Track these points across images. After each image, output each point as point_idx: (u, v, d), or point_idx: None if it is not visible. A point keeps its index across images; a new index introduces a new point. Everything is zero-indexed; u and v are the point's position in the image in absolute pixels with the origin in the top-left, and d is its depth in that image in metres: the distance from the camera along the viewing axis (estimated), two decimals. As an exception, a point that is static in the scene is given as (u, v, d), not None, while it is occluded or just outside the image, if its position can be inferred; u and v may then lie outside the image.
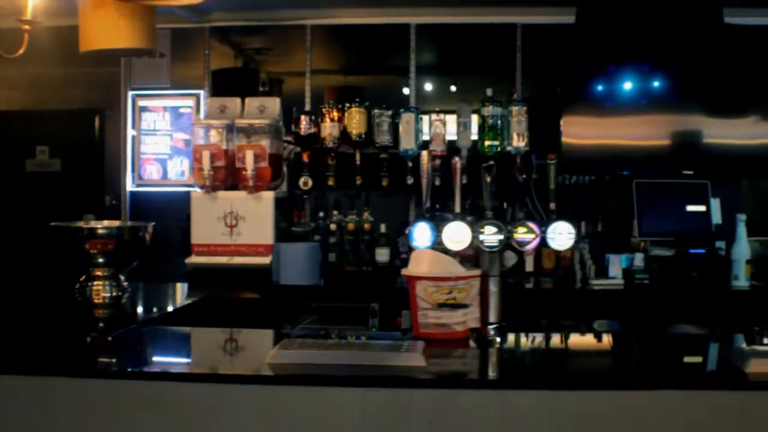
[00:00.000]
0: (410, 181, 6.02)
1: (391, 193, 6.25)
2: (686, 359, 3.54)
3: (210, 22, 6.87)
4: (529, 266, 6.08)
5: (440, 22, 6.69)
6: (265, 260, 5.81)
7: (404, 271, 3.67)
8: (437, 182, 5.80)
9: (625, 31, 5.85)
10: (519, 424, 2.88)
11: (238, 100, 6.24)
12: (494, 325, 3.66)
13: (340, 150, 6.18)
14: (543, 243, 3.66)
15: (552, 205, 3.92)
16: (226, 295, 5.60)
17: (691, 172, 6.08)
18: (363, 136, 6.11)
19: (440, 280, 3.55)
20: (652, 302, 5.48)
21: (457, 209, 3.87)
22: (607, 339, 4.24)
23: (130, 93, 6.95)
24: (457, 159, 4.00)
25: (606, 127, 6.20)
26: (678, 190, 6.03)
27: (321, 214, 6.37)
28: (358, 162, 6.11)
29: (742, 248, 5.67)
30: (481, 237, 3.65)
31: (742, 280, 5.65)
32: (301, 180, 6.13)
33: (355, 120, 6.11)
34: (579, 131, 6.15)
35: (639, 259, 5.77)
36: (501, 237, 3.65)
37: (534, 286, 5.89)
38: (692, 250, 5.72)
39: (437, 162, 5.90)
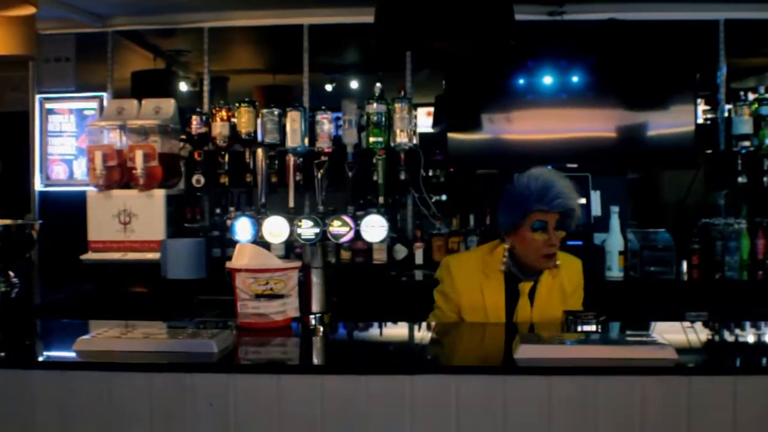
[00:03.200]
0: (298, 177, 6.17)
1: (279, 189, 6.40)
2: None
3: (113, 27, 7.03)
4: (419, 259, 6.26)
5: (335, 23, 6.84)
6: (157, 256, 6.00)
7: (227, 264, 3.84)
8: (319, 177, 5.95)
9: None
10: (335, 408, 3.05)
11: (135, 102, 6.42)
12: (317, 315, 3.83)
13: (233, 149, 6.35)
14: (357, 236, 3.82)
15: (380, 199, 4.10)
16: (116, 289, 5.79)
17: (574, 165, 6.25)
18: (252, 134, 6.26)
19: (258, 272, 3.71)
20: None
21: (291, 204, 4.03)
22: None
23: (38, 96, 7.11)
24: (290, 156, 4.17)
25: (492, 123, 6.39)
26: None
27: (218, 210, 6.52)
28: (247, 160, 6.26)
29: (616, 240, 5.84)
30: (299, 231, 3.81)
31: (615, 270, 5.82)
32: (194, 178, 6.30)
33: (244, 119, 6.27)
34: (465, 128, 6.35)
35: (516, 251, 5.92)
36: (317, 230, 3.81)
37: (423, 278, 6.07)
38: (570, 242, 5.87)
39: (323, 158, 6.05)
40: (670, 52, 6.50)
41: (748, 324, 4.05)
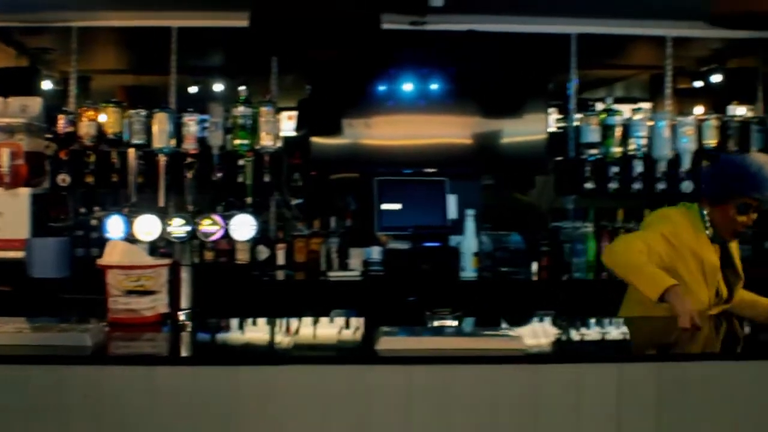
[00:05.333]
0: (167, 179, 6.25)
1: (146, 190, 6.46)
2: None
3: (-28, 24, 6.99)
4: (281, 260, 6.41)
5: (203, 26, 6.93)
6: (21, 254, 6.00)
7: (98, 261, 3.94)
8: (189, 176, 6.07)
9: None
10: (202, 398, 3.19)
11: (1, 99, 6.39)
12: (186, 311, 3.97)
13: (100, 148, 6.39)
14: (226, 234, 3.98)
15: (248, 200, 4.24)
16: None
17: (432, 170, 6.50)
18: (119, 134, 6.32)
19: (129, 269, 3.83)
20: (385, 292, 5.88)
21: (161, 203, 4.15)
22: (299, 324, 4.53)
23: None
24: (161, 157, 4.28)
25: (353, 128, 6.60)
26: (417, 186, 6.43)
27: (83, 210, 6.53)
28: (114, 160, 6.31)
29: (470, 241, 6.11)
30: (170, 229, 3.94)
31: (469, 271, 6.09)
32: (59, 177, 6.31)
33: (111, 119, 6.32)
34: (327, 132, 6.55)
35: (376, 253, 6.13)
36: (188, 228, 3.95)
37: (285, 278, 6.23)
38: (427, 244, 6.13)
39: (190, 159, 6.16)
40: (525, 63, 6.83)
41: (591, 320, 4.36)
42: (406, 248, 6.12)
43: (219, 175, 5.94)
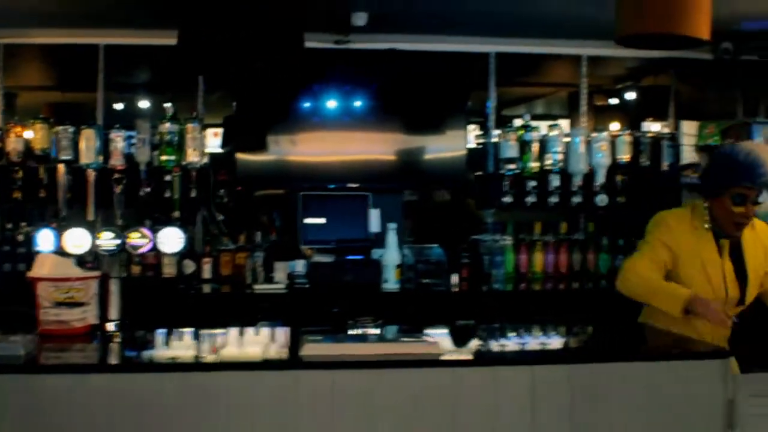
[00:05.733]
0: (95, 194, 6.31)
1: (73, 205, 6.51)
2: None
3: None
4: (207, 273, 6.50)
5: (131, 44, 7.00)
6: (-52, 269, 6.05)
7: (28, 274, 4.03)
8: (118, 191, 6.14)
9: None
10: (132, 404, 3.32)
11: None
12: (115, 322, 4.07)
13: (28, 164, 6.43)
14: (155, 247, 4.09)
15: (176, 214, 4.35)
16: None
17: (356, 185, 6.66)
18: (47, 150, 6.37)
19: (59, 281, 3.93)
20: (309, 304, 6.02)
21: (90, 217, 4.25)
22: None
23: None
24: (90, 172, 4.37)
25: (279, 145, 6.74)
26: (341, 201, 6.58)
27: (9, 225, 6.57)
28: (41, 176, 6.35)
29: (393, 254, 6.28)
30: (99, 242, 4.05)
31: (392, 282, 6.26)
32: (-16, 193, 6.36)
33: (39, 135, 6.38)
34: (253, 149, 6.68)
35: (301, 266, 6.27)
36: (118, 242, 4.05)
37: (211, 291, 6.34)
38: (350, 257, 6.29)
39: (117, 175, 6.24)
40: (446, 81, 7.03)
41: (509, 328, 4.55)
42: (330, 261, 6.28)
43: (146, 190, 6.03)
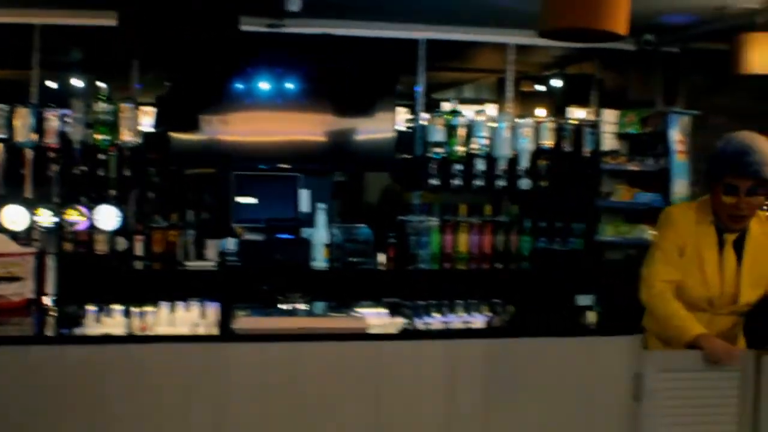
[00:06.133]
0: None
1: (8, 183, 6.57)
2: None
3: None
4: (139, 251, 6.61)
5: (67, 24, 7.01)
6: None
7: (-34, 249, 4.14)
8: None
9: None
10: (69, 375, 3.45)
11: None
12: (51, 297, 4.20)
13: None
14: (92, 225, 4.22)
15: (112, 192, 4.47)
16: None
17: (287, 166, 6.82)
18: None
19: (-3, 256, 4.05)
20: (240, 281, 6.17)
21: (27, 194, 4.36)
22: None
23: None
24: (26, 150, 4.48)
25: (211, 125, 6.85)
26: (271, 181, 6.73)
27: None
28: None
29: (322, 233, 6.45)
30: (37, 219, 4.16)
31: (321, 261, 6.43)
32: None
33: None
34: (186, 129, 6.80)
35: (232, 244, 6.41)
36: (55, 219, 4.17)
37: (144, 268, 6.45)
38: (281, 235, 6.45)
39: (52, 154, 6.32)
40: (377, 66, 7.20)
41: (432, 306, 4.76)
42: (261, 240, 6.43)
43: (82, 168, 6.12)
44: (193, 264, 6.43)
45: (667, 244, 4.14)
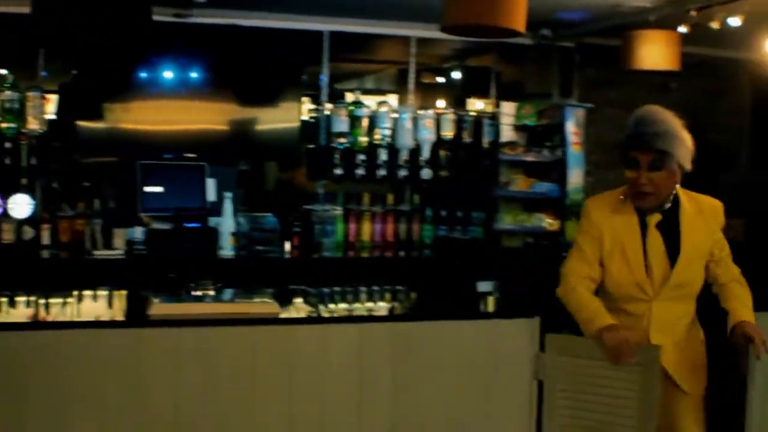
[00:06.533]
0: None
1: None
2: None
3: None
4: (46, 239, 6.62)
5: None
6: None
7: None
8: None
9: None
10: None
11: None
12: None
13: None
14: (5, 213, 4.26)
15: (23, 180, 4.50)
16: None
17: (193, 155, 6.90)
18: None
19: None
20: (149, 269, 6.23)
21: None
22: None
23: None
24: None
25: (116, 113, 6.90)
26: (178, 171, 6.81)
27: None
28: None
29: (229, 222, 6.55)
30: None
31: (228, 249, 6.53)
32: None
33: None
34: (91, 117, 6.83)
35: (139, 233, 6.47)
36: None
37: (51, 257, 6.46)
38: (188, 224, 6.53)
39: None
40: (282, 57, 7.34)
41: (338, 292, 4.91)
42: (168, 228, 6.49)
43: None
44: (100, 253, 6.46)
45: (582, 239, 4.09)
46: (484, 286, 6.26)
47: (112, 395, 3.61)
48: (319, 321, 4.00)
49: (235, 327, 3.72)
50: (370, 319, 4.22)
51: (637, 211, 4.01)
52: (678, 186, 4.01)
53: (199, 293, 4.21)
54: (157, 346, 3.64)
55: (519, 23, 4.62)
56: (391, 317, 4.22)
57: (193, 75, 7.06)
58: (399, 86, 9.82)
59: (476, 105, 9.30)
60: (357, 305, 4.66)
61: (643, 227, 4.00)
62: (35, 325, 3.80)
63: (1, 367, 3.53)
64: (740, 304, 4.00)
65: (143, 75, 6.99)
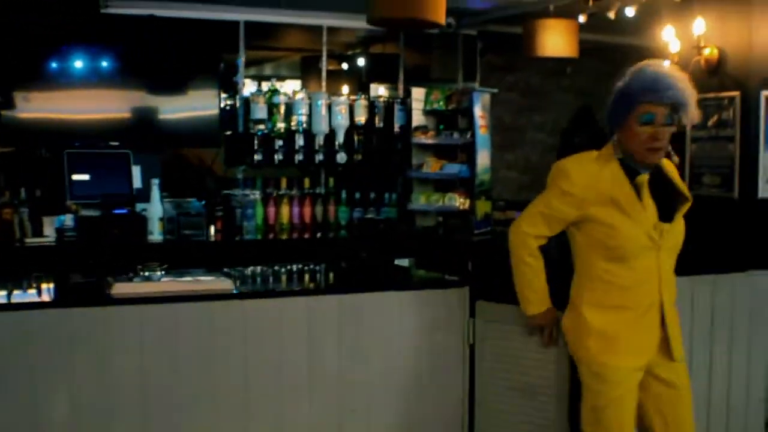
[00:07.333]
0: None
1: None
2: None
3: None
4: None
5: None
6: None
7: None
8: None
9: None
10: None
11: None
12: None
13: None
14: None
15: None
16: None
17: (116, 143, 7.10)
18: None
19: None
20: (80, 256, 6.42)
21: None
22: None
23: None
24: None
25: (31, 103, 7.04)
26: (105, 158, 7.01)
27: None
28: None
29: (156, 208, 6.76)
30: None
31: (156, 234, 6.74)
32: None
33: None
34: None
35: (70, 220, 6.63)
36: None
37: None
38: (116, 211, 6.73)
39: None
40: (200, 46, 7.55)
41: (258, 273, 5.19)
42: (97, 215, 6.67)
43: None
44: (31, 241, 6.61)
45: (557, 201, 3.91)
46: (401, 263, 6.60)
47: (81, 371, 3.86)
48: (272, 295, 4.28)
49: (194, 303, 4.00)
50: (318, 291, 4.51)
51: (625, 169, 3.87)
52: None
53: (147, 274, 4.43)
54: (121, 323, 3.90)
55: (441, 16, 4.97)
56: (338, 289, 4.50)
57: (111, 65, 7.21)
58: (306, 72, 10.11)
59: (380, 90, 9.63)
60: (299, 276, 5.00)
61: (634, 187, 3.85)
62: (4, 306, 3.99)
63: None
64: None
65: (59, 64, 7.09)
